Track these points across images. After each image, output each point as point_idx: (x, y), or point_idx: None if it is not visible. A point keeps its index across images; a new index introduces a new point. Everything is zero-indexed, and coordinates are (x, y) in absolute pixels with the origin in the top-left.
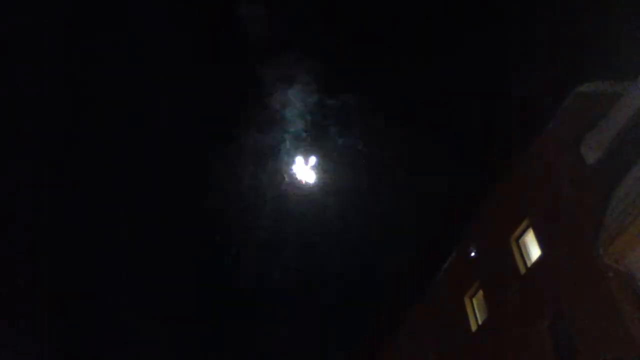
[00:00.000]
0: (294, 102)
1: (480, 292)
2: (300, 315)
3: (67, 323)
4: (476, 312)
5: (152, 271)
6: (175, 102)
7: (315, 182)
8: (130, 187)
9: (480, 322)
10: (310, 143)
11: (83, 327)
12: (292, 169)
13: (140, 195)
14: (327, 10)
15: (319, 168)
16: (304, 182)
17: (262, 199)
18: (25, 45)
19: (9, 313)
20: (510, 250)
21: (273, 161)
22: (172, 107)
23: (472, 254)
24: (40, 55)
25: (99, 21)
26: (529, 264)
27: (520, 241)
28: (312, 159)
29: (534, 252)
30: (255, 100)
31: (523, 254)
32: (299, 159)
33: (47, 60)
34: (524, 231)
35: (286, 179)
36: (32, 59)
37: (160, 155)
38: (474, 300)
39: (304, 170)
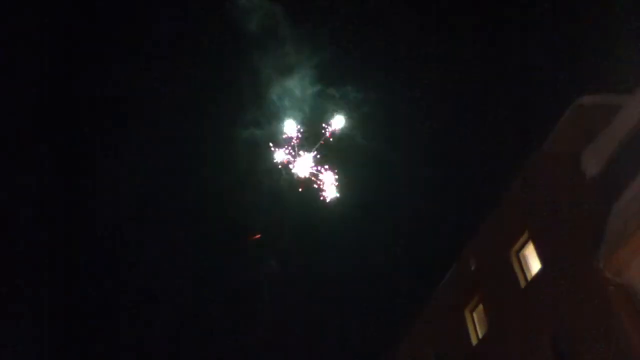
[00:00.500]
0: (294, 96)
1: (481, 306)
2: (296, 326)
3: (67, 323)
4: (477, 325)
5: (152, 271)
6: (173, 98)
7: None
8: (129, 185)
9: (480, 336)
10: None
11: (83, 327)
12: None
13: (139, 194)
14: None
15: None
16: (302, 177)
17: (260, 195)
18: (25, 45)
19: (8, 313)
20: (510, 264)
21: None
22: (170, 104)
23: (472, 267)
24: (40, 55)
25: (96, 19)
26: (529, 278)
27: (520, 254)
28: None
29: (534, 265)
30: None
31: (523, 267)
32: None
33: (47, 61)
34: (524, 244)
35: (284, 174)
36: (32, 59)
37: (159, 154)
38: (475, 314)
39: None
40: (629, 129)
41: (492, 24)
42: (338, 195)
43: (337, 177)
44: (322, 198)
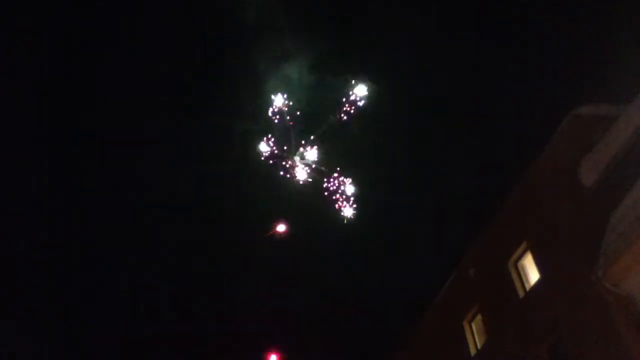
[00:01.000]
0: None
1: (479, 316)
2: (293, 334)
3: (67, 323)
4: (475, 336)
5: (153, 271)
6: (174, 96)
7: (309, 180)
8: (128, 184)
9: (479, 347)
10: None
11: (83, 327)
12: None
13: (140, 193)
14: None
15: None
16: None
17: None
18: (25, 45)
19: (9, 313)
20: (508, 274)
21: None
22: (170, 102)
23: (471, 277)
24: (40, 55)
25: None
26: (527, 288)
27: (518, 264)
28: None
29: (533, 275)
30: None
31: (522, 277)
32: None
33: (47, 61)
34: (522, 254)
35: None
36: (32, 59)
37: (159, 153)
38: (473, 325)
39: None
40: (625, 138)
41: (491, 31)
42: (354, 212)
43: (356, 191)
44: (341, 213)
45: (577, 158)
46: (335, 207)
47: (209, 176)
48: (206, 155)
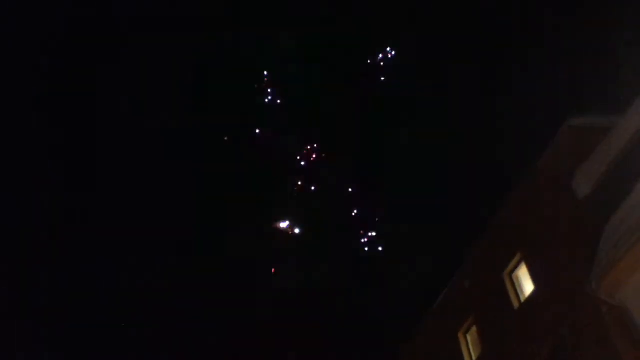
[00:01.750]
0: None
1: (474, 328)
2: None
3: (67, 323)
4: (470, 347)
5: (154, 271)
6: (175, 94)
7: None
8: (129, 186)
9: (474, 358)
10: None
11: (83, 327)
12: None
13: (140, 193)
14: None
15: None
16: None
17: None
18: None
19: (9, 313)
20: (503, 285)
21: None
22: (172, 99)
23: (466, 288)
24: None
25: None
26: (522, 299)
27: (513, 275)
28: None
29: (527, 287)
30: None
31: (516, 288)
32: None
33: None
34: (516, 266)
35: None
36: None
37: (161, 151)
38: (468, 337)
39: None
40: (619, 149)
41: (487, 41)
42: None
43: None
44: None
45: (572, 169)
46: (356, 230)
47: (209, 175)
48: (206, 153)
